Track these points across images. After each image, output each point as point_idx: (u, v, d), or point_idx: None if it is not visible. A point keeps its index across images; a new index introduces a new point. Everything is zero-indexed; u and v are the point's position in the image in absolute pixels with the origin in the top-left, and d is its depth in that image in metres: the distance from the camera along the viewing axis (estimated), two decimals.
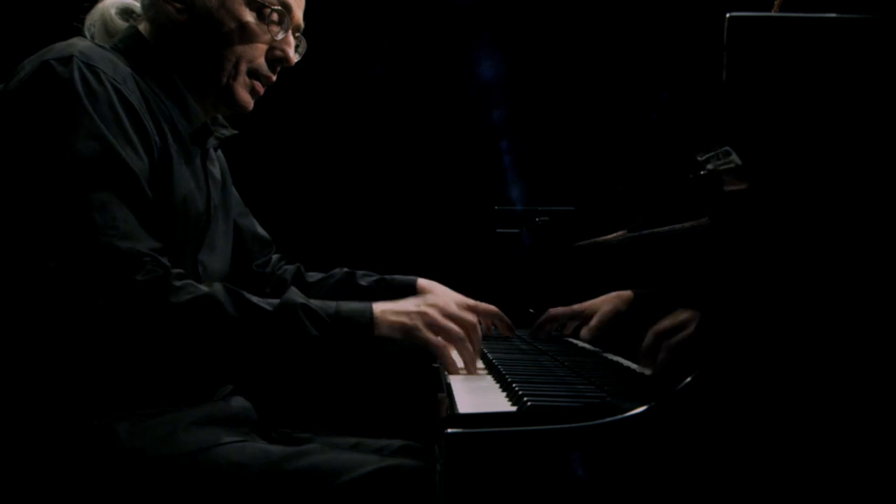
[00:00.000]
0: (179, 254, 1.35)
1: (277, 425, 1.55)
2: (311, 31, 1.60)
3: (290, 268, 1.84)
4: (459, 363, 1.39)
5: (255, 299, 1.25)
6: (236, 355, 1.26)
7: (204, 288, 1.24)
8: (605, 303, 1.49)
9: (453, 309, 1.39)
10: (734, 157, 0.87)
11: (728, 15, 0.89)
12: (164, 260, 1.24)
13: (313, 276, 1.82)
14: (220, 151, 1.67)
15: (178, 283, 1.22)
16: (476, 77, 2.87)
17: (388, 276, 1.76)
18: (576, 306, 1.61)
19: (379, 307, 1.32)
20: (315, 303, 1.28)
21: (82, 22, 1.51)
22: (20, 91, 1.25)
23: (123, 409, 1.25)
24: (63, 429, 1.22)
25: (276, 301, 1.27)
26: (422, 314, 1.34)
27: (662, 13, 2.63)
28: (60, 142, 1.21)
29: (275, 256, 1.84)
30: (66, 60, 1.26)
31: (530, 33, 2.92)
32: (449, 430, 0.86)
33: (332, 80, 2.75)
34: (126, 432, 1.23)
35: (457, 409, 1.12)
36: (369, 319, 1.30)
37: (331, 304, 1.29)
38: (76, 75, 1.24)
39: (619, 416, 0.83)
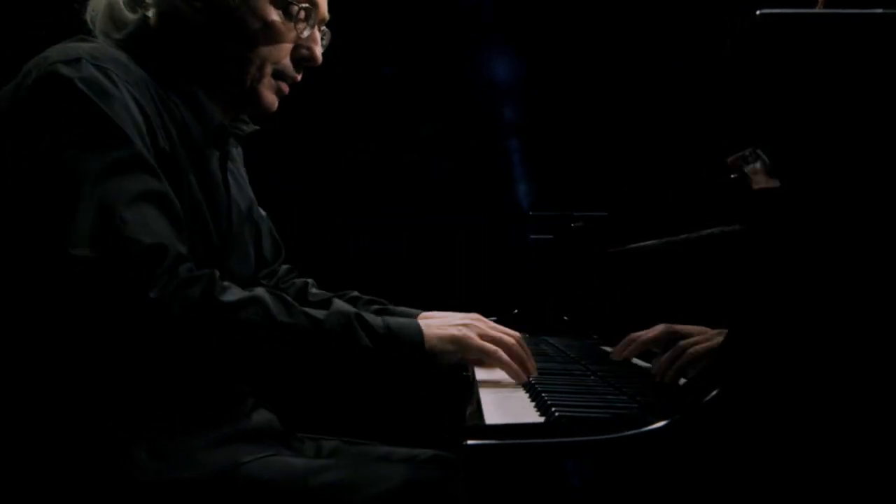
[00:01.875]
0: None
1: (304, 430, 1.51)
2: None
3: (299, 282, 1.71)
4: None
5: (303, 307, 1.20)
6: (283, 362, 1.20)
7: (247, 291, 1.18)
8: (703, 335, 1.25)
9: (494, 325, 1.37)
10: (764, 159, 0.84)
11: (759, 12, 0.85)
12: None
13: (317, 296, 1.68)
14: (238, 148, 1.56)
15: (224, 283, 1.16)
16: (512, 83, 2.85)
17: (391, 308, 1.64)
18: (659, 329, 1.37)
19: (423, 321, 1.29)
20: (367, 314, 1.24)
21: (83, 4, 1.38)
22: (30, 99, 1.17)
23: (143, 430, 1.19)
24: (81, 452, 1.17)
25: (324, 311, 1.22)
26: (469, 325, 1.32)
27: (694, 12, 2.58)
28: (79, 145, 1.14)
29: (283, 268, 1.72)
30: (75, 62, 1.18)
31: (556, 35, 2.87)
32: (469, 443, 0.84)
33: (359, 82, 2.73)
34: (146, 455, 1.17)
35: (484, 419, 1.09)
36: (418, 332, 1.26)
37: (377, 318, 1.25)
38: (87, 76, 1.17)
39: (639, 430, 0.80)
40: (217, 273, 1.16)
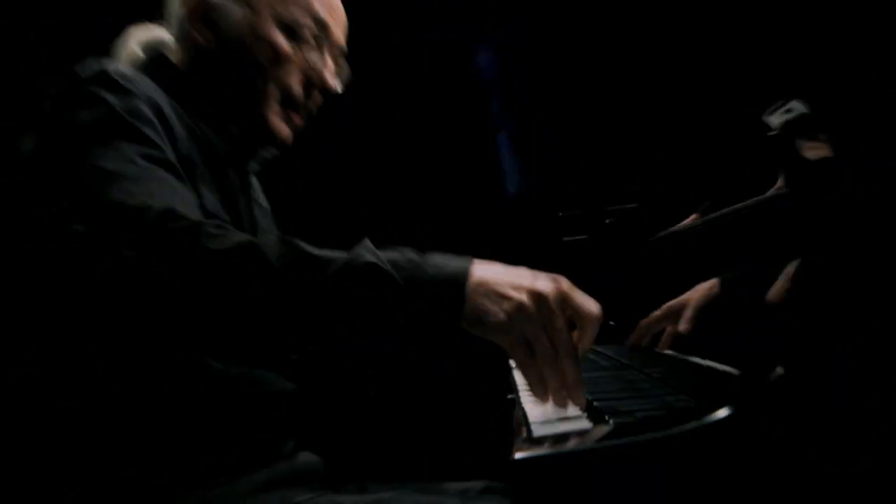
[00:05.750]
0: None
1: (349, 480, 1.44)
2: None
3: None
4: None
5: (315, 250, 0.99)
6: (283, 317, 0.97)
7: (246, 236, 1.01)
8: (695, 292, 1.38)
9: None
10: (801, 107, 0.76)
11: None
12: None
13: None
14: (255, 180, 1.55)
15: (215, 231, 1.00)
16: (538, 83, 2.80)
17: None
18: (664, 306, 1.49)
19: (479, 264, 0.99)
20: (390, 255, 0.98)
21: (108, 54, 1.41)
22: (55, 108, 1.15)
23: (186, 478, 1.14)
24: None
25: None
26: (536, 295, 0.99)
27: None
28: (91, 140, 1.10)
29: None
30: (97, 72, 1.18)
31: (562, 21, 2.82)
32: (517, 455, 0.78)
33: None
34: None
35: (531, 431, 1.03)
36: (464, 273, 0.96)
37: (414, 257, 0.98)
38: (107, 79, 1.17)
39: (700, 422, 0.73)
40: (210, 221, 1.03)
